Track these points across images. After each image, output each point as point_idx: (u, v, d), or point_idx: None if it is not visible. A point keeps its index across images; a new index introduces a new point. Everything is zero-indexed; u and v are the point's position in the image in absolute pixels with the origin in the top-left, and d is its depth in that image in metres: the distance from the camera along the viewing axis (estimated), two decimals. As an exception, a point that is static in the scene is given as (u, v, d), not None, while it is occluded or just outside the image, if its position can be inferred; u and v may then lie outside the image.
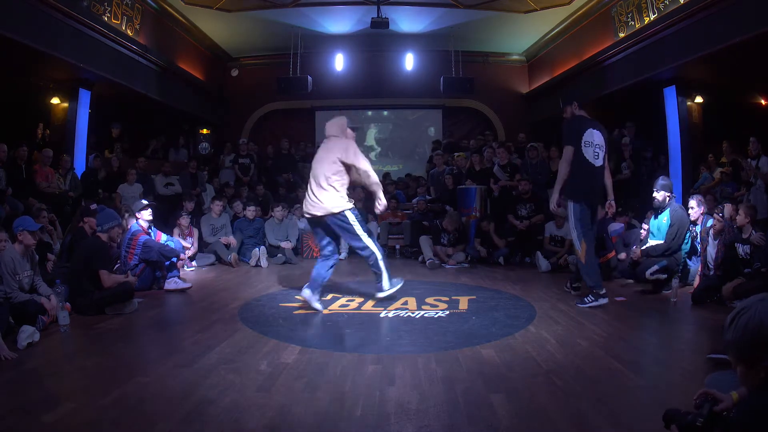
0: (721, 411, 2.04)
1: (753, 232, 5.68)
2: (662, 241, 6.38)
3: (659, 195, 6.55)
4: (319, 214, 5.46)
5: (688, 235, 6.63)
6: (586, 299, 5.55)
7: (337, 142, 5.58)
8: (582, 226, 5.61)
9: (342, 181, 5.46)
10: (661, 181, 6.68)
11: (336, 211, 5.42)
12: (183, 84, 12.85)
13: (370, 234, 5.69)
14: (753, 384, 1.80)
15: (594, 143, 5.63)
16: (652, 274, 6.32)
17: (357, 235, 5.51)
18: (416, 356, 3.95)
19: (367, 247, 5.54)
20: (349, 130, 5.79)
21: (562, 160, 5.73)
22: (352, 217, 5.47)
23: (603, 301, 5.50)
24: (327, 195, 5.40)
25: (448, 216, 9.18)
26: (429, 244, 8.90)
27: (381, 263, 5.58)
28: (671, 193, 6.59)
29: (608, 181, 5.92)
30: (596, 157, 5.64)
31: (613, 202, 6.02)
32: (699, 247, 6.70)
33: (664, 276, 6.31)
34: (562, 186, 5.70)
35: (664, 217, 6.44)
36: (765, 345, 1.70)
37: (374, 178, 5.61)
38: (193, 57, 13.48)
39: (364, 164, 5.50)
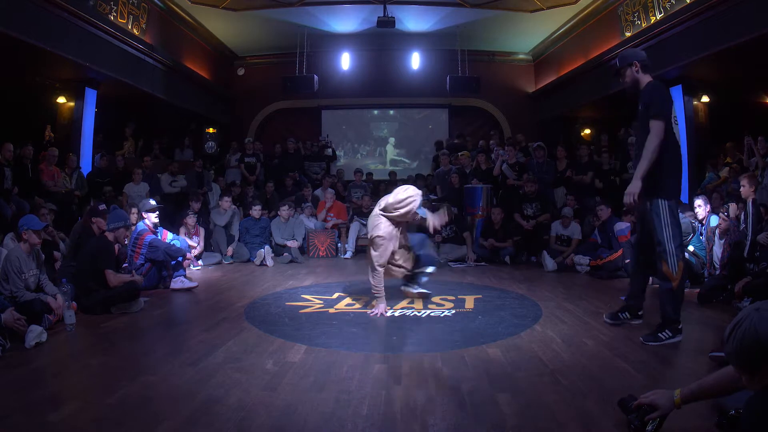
0: (654, 418, 2.47)
1: (751, 202, 5.90)
2: None
3: None
4: None
5: (693, 237, 6.61)
6: (660, 335, 4.19)
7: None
8: (680, 234, 4.31)
9: None
10: None
11: None
12: (189, 83, 12.88)
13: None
14: (759, 388, 1.88)
15: (675, 120, 4.43)
16: None
17: None
18: (422, 355, 3.95)
19: None
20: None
21: (656, 137, 4.14)
22: None
23: (679, 337, 4.22)
24: None
25: (441, 210, 9.16)
26: (432, 245, 8.85)
27: None
28: None
29: None
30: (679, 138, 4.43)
31: None
32: (705, 245, 6.68)
33: None
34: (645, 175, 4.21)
35: None
36: (763, 352, 1.78)
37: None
38: (199, 56, 13.52)
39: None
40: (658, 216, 4.24)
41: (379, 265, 5.26)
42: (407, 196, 5.21)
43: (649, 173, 4.19)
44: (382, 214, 5.32)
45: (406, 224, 5.58)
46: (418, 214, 5.35)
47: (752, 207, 5.93)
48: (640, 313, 4.79)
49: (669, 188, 4.27)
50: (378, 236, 5.21)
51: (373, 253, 5.26)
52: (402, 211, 5.20)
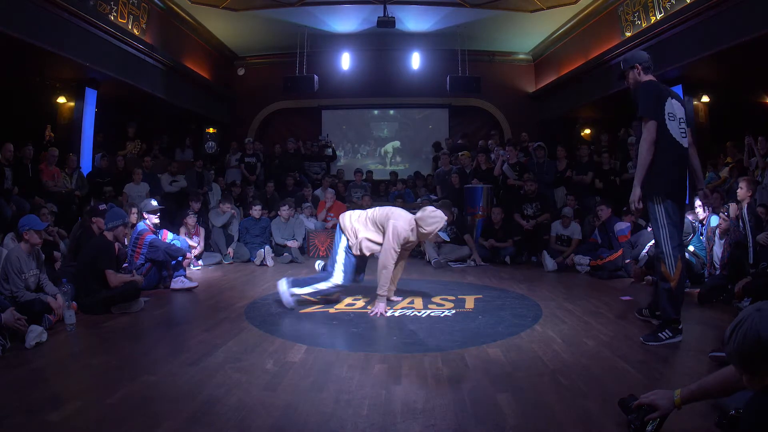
0: (654, 418, 2.49)
1: (746, 207, 5.95)
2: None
3: None
4: None
5: (693, 237, 6.63)
6: (660, 335, 4.17)
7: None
8: (678, 234, 4.25)
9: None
10: None
11: None
12: (189, 83, 12.89)
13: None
14: (759, 389, 1.91)
15: (677, 116, 4.32)
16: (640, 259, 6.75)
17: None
18: (422, 355, 3.94)
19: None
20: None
21: (644, 139, 4.26)
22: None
23: (679, 337, 4.19)
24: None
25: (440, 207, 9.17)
26: (432, 246, 8.87)
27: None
28: None
29: (695, 161, 4.57)
30: (683, 134, 4.32)
31: (707, 191, 5.38)
32: (705, 245, 6.69)
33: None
34: (644, 177, 4.26)
35: None
36: (764, 352, 1.79)
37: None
38: (199, 56, 13.52)
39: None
40: (654, 218, 4.24)
41: (395, 250, 5.27)
42: (435, 216, 5.27)
43: (647, 174, 4.22)
44: (413, 221, 5.38)
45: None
46: (439, 236, 5.39)
47: (747, 211, 5.94)
48: (658, 313, 4.62)
49: (662, 187, 4.23)
50: (401, 225, 5.27)
51: (389, 234, 5.25)
52: (430, 228, 5.25)
